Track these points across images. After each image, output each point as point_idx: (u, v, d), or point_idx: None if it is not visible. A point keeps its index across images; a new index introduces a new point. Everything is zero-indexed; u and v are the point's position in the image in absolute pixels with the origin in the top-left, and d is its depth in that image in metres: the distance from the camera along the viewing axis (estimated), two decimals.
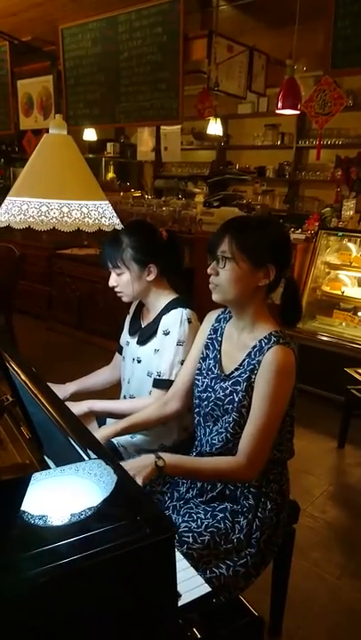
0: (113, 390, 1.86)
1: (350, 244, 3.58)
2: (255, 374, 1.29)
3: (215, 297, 1.34)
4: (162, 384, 1.57)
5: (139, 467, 1.20)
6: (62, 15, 4.18)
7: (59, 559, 0.64)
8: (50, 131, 1.25)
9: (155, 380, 1.59)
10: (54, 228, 1.15)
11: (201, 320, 1.56)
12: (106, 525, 0.70)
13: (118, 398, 1.79)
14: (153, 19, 3.61)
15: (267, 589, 1.60)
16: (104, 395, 1.74)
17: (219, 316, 1.48)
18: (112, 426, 1.49)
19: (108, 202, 1.27)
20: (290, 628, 1.71)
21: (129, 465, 1.22)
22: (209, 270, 1.33)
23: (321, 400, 3.36)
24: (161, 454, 1.24)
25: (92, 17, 3.94)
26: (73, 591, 0.66)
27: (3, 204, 1.20)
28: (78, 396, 1.72)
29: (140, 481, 1.16)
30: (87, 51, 4.09)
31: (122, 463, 1.25)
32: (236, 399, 1.31)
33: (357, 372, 2.79)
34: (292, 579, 1.61)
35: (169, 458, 1.24)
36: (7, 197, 1.20)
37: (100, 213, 1.22)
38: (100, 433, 1.45)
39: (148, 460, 1.22)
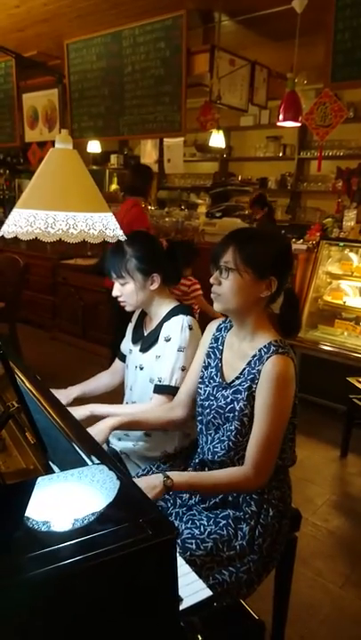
0: (116, 396, 1.87)
1: (352, 254, 3.60)
2: (256, 384, 1.31)
3: (217, 306, 1.36)
4: (162, 389, 1.59)
5: (147, 487, 1.20)
6: (68, 31, 4.25)
7: (62, 560, 0.66)
8: (56, 145, 1.29)
9: (155, 385, 1.61)
10: (60, 239, 1.17)
11: (202, 328, 1.58)
12: (108, 527, 0.72)
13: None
14: (156, 34, 3.69)
15: (269, 598, 1.60)
16: (107, 400, 1.75)
17: (220, 325, 1.50)
18: (118, 417, 1.47)
19: (111, 214, 1.30)
20: (293, 637, 1.71)
21: (137, 484, 1.23)
22: (212, 280, 1.34)
23: (323, 409, 3.36)
24: (169, 473, 1.24)
25: (97, 32, 4.02)
26: (76, 592, 0.67)
27: (10, 216, 1.22)
28: (79, 401, 1.73)
29: None
30: (92, 65, 4.17)
31: None
32: (237, 407, 1.33)
33: (359, 382, 2.80)
34: (294, 588, 1.61)
35: (177, 476, 1.25)
36: (14, 209, 1.23)
37: (104, 225, 1.24)
38: (105, 423, 1.43)
39: (156, 479, 1.23)
